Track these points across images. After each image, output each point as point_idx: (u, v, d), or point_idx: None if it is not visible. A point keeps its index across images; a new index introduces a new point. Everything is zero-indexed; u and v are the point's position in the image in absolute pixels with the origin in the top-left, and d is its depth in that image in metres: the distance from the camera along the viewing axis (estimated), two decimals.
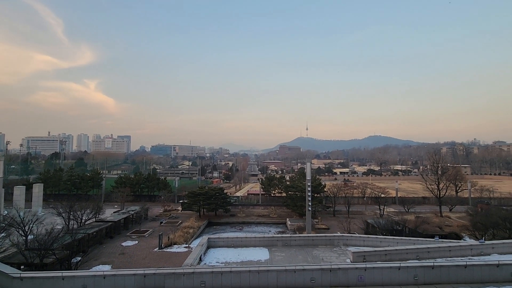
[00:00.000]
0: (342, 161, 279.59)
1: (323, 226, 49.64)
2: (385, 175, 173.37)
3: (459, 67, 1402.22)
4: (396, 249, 24.37)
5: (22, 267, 24.30)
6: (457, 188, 70.76)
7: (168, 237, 40.37)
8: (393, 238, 29.60)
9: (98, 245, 37.89)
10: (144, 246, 38.38)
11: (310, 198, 41.37)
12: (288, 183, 70.44)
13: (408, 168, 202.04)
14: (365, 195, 70.80)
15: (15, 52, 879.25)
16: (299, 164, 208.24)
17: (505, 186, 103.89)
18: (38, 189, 58.57)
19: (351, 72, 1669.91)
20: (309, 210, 41.61)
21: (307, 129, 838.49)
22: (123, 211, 53.82)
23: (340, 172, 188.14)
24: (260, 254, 27.03)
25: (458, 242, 28.77)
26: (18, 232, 31.91)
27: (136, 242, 40.44)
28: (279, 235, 36.42)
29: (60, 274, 18.49)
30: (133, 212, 51.96)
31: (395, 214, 55.27)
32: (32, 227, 32.82)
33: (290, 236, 32.43)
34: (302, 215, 53.99)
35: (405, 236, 35.56)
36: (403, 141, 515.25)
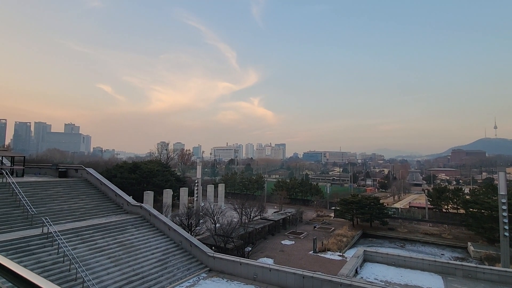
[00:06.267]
0: None
1: None
2: None
3: None
4: None
5: (213, 248, 31.75)
6: None
7: (322, 242, 41.21)
8: None
9: (263, 239, 43.70)
10: (300, 247, 40.98)
11: (506, 220, 31.17)
12: (468, 197, 55.83)
13: None
14: None
15: (206, 83, 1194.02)
16: (483, 174, 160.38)
17: None
18: (221, 188, 74.82)
19: None
20: (505, 235, 31.32)
21: (495, 127, 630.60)
22: (281, 212, 59.71)
23: None
24: (431, 281, 22.95)
25: None
26: (210, 220, 42.06)
27: (293, 242, 43.76)
28: (458, 262, 29.43)
29: (238, 260, 22.88)
30: (289, 214, 56.61)
31: None
32: (218, 217, 42.31)
33: (476, 267, 25.56)
34: (492, 241, 41.40)
35: None
36: None
